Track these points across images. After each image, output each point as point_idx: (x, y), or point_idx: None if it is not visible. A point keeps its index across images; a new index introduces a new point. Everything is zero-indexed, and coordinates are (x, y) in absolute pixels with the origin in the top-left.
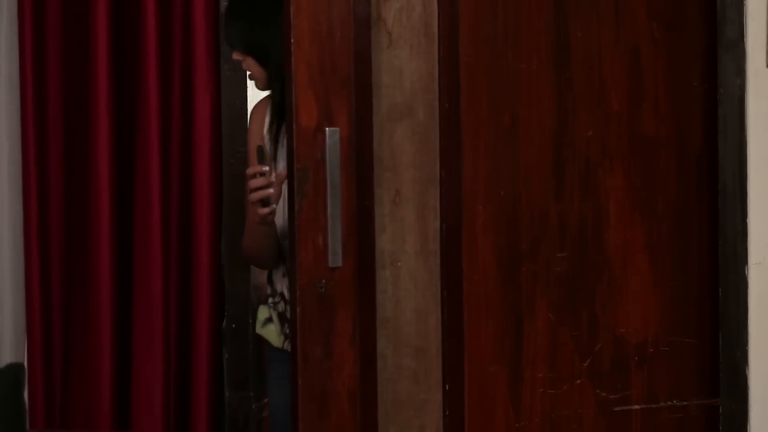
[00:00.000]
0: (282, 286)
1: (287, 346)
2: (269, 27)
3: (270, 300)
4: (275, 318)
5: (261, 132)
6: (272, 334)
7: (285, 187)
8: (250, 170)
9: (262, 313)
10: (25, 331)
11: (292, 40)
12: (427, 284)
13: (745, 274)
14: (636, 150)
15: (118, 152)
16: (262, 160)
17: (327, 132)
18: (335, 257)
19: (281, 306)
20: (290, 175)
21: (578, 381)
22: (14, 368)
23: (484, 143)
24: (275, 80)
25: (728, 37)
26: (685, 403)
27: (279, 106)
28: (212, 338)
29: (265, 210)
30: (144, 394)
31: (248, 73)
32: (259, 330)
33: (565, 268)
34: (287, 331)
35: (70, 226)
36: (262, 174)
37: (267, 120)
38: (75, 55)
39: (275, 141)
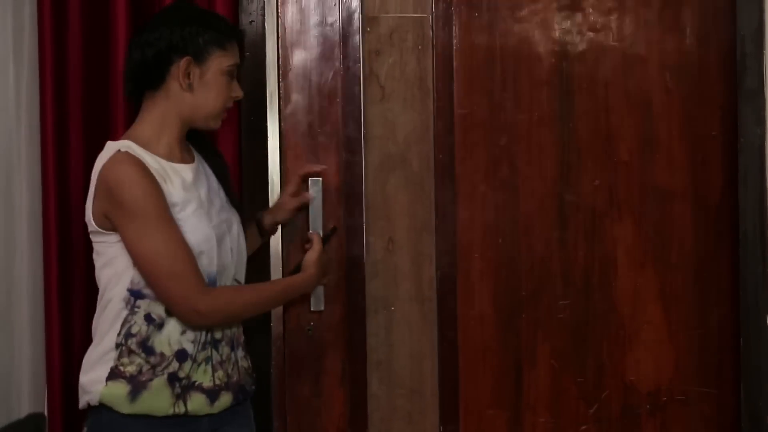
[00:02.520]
0: (170, 345)
1: (179, 408)
2: None
3: (155, 369)
4: (160, 384)
5: (159, 189)
6: (154, 405)
7: None
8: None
9: (119, 389)
10: (43, 380)
11: (281, 93)
12: (422, 329)
13: (766, 323)
14: (647, 200)
15: None
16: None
17: (309, 182)
18: (317, 301)
19: (173, 367)
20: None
21: (584, 427)
22: (35, 418)
23: (480, 193)
24: None
25: (748, 86)
26: None
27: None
28: None
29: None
30: None
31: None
32: (129, 409)
33: (568, 316)
34: (179, 390)
35: (90, 267)
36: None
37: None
38: (97, 72)
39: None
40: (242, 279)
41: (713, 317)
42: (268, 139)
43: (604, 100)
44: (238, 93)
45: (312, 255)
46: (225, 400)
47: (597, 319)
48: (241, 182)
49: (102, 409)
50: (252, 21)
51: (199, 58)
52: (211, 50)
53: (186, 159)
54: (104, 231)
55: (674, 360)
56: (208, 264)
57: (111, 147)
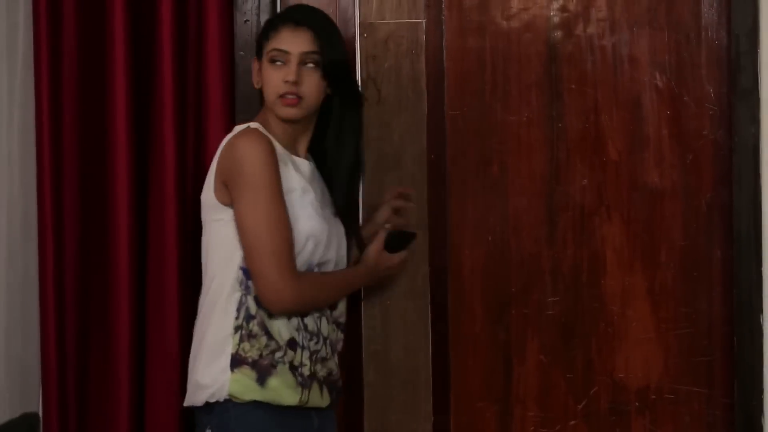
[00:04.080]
0: (281, 332)
1: (304, 396)
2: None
3: (274, 355)
4: (284, 371)
5: (278, 171)
6: (282, 392)
7: None
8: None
9: (246, 376)
10: (37, 379)
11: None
12: (416, 323)
13: (760, 323)
14: (636, 199)
15: (136, 204)
16: None
17: None
18: None
19: (289, 356)
20: None
21: (572, 422)
22: (29, 418)
23: (471, 192)
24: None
25: (742, 85)
26: None
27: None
28: None
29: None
30: None
31: (287, 91)
32: (255, 396)
33: (558, 312)
34: (301, 379)
35: (86, 266)
36: None
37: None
38: (92, 71)
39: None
40: None
41: (704, 316)
42: None
43: (593, 100)
44: (288, 76)
45: (372, 247)
46: (328, 395)
47: (586, 316)
48: None
49: (228, 403)
50: (247, 20)
51: (259, 54)
52: (262, 43)
53: (302, 155)
54: (222, 205)
55: (663, 358)
56: (311, 254)
57: (239, 126)
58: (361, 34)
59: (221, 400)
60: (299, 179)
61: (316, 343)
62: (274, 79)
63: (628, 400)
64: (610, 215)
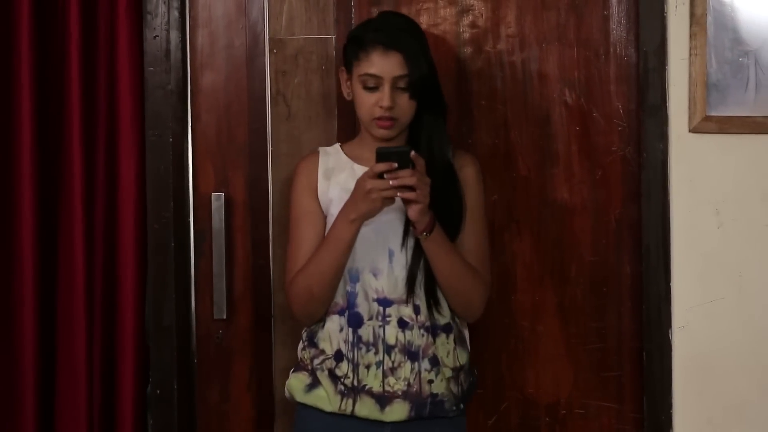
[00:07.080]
0: (331, 342)
1: (346, 405)
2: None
3: (313, 362)
4: (324, 379)
5: (311, 188)
6: (323, 398)
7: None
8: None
9: (299, 380)
10: None
11: (190, 115)
12: None
13: (669, 337)
14: (546, 214)
15: (42, 220)
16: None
17: (212, 197)
18: (220, 310)
19: (329, 363)
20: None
21: None
22: None
23: None
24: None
25: (651, 102)
26: None
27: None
28: (137, 404)
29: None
30: None
31: (382, 115)
32: (302, 398)
33: (467, 327)
34: (343, 388)
35: None
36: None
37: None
38: None
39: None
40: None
41: (614, 332)
42: (189, 158)
43: (503, 116)
44: (382, 102)
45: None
46: (399, 409)
47: (496, 332)
48: (144, 197)
49: (293, 400)
50: (156, 36)
51: (348, 67)
52: (351, 59)
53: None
54: None
55: (573, 373)
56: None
57: None
58: (270, 50)
59: (286, 396)
60: (338, 190)
61: (375, 353)
62: (367, 103)
63: (539, 416)
64: (520, 231)
